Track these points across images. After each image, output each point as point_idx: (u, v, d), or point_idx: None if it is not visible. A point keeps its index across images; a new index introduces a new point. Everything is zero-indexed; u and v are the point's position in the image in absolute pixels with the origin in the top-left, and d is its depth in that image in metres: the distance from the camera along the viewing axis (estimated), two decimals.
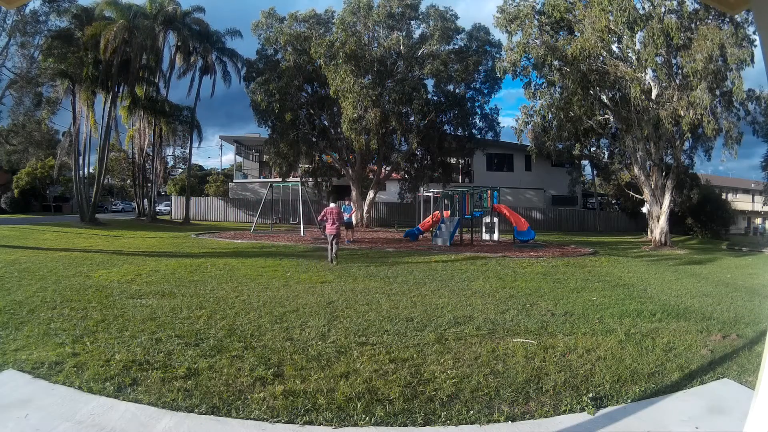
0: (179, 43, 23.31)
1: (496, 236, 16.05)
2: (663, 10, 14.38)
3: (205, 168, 57.34)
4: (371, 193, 22.57)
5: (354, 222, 23.29)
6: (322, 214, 9.83)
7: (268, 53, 22.64)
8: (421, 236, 16.67)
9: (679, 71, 15.21)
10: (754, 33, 13.26)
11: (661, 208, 17.12)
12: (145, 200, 26.52)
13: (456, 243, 14.24)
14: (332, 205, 10.01)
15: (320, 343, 3.91)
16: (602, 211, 32.60)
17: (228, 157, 77.84)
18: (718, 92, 14.66)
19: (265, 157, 26.88)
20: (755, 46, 13.58)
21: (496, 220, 16.16)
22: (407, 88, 18.96)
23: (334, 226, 9.47)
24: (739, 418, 2.49)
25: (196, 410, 2.67)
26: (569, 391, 3.04)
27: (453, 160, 29.11)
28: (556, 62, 16.59)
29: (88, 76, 19.50)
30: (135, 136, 24.98)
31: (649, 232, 19.35)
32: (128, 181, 34.66)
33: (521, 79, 18.44)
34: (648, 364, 3.57)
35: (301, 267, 8.66)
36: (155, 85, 24.28)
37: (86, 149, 22.12)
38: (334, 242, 9.37)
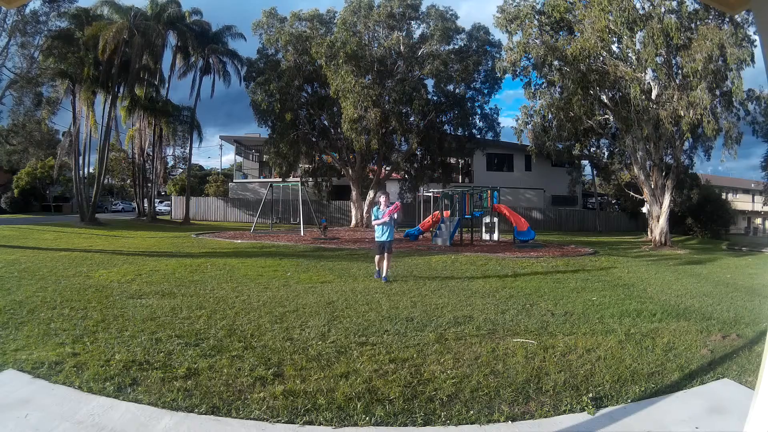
0: (179, 44, 23.32)
1: (496, 236, 16.05)
2: (663, 10, 14.37)
3: (205, 168, 57.43)
4: (371, 193, 22.58)
5: (354, 223, 23.35)
6: (392, 208, 14.86)
7: (268, 53, 22.64)
8: (421, 236, 16.68)
9: (679, 71, 15.21)
10: (754, 33, 13.26)
11: (661, 208, 17.11)
12: (145, 200, 26.54)
13: (456, 243, 14.24)
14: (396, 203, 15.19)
15: (320, 343, 3.91)
16: (602, 211, 32.61)
17: (228, 157, 78.02)
18: (718, 92, 14.65)
19: (265, 157, 26.88)
20: (755, 46, 13.57)
21: (496, 220, 16.16)
22: (407, 88, 18.96)
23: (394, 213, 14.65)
24: (739, 418, 2.48)
25: (196, 410, 2.66)
26: (569, 391, 3.03)
27: (453, 160, 29.09)
28: (556, 62, 16.59)
29: (88, 76, 19.53)
30: (135, 136, 25.01)
31: (649, 232, 19.34)
32: (128, 181, 34.69)
33: (521, 79, 18.49)
34: (648, 364, 3.56)
35: (301, 267, 8.66)
36: (155, 86, 24.29)
37: (86, 149, 22.20)
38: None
